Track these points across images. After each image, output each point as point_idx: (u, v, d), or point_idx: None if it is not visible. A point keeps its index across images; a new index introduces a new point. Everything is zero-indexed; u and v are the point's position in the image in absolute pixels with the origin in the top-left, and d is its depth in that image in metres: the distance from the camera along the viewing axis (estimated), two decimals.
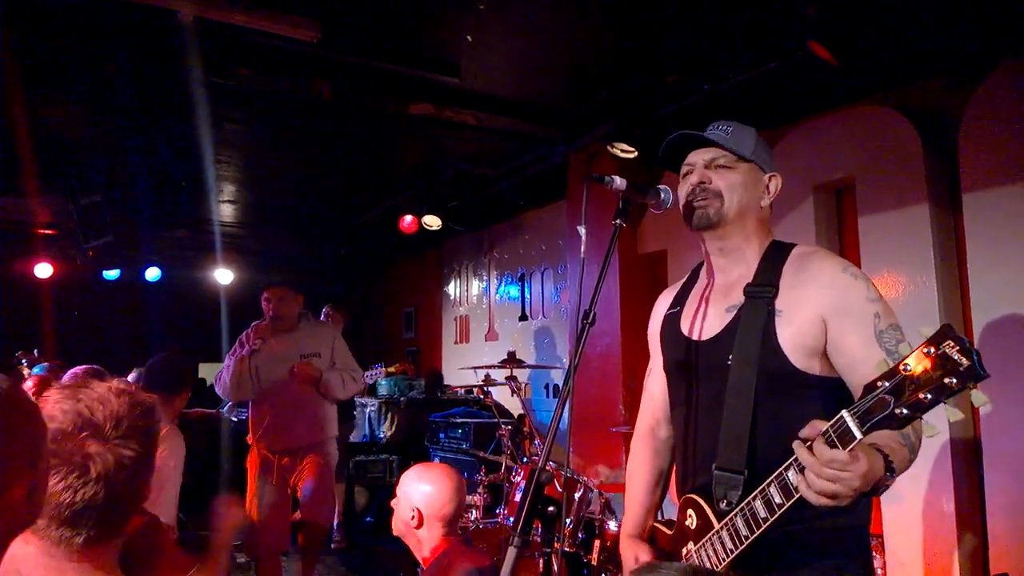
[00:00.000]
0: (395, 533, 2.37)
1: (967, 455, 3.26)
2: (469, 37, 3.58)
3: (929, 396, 1.09)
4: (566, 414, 1.56)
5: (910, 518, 3.34)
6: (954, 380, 1.07)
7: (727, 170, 1.69)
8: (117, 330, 7.82)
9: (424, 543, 2.26)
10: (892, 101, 3.59)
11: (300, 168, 5.83)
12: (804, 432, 1.26)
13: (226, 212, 7.01)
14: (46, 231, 7.16)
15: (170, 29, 3.24)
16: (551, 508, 3.19)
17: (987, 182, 3.17)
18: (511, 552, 1.46)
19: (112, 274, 7.72)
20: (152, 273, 7.77)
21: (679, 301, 1.86)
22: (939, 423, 1.13)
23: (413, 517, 2.25)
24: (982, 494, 3.17)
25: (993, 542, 3.09)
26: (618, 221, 1.66)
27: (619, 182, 1.66)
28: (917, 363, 1.10)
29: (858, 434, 1.17)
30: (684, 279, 1.94)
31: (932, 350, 1.09)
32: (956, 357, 1.07)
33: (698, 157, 1.72)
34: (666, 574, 1.01)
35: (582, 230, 1.62)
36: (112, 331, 7.82)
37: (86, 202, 5.42)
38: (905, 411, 1.12)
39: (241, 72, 3.78)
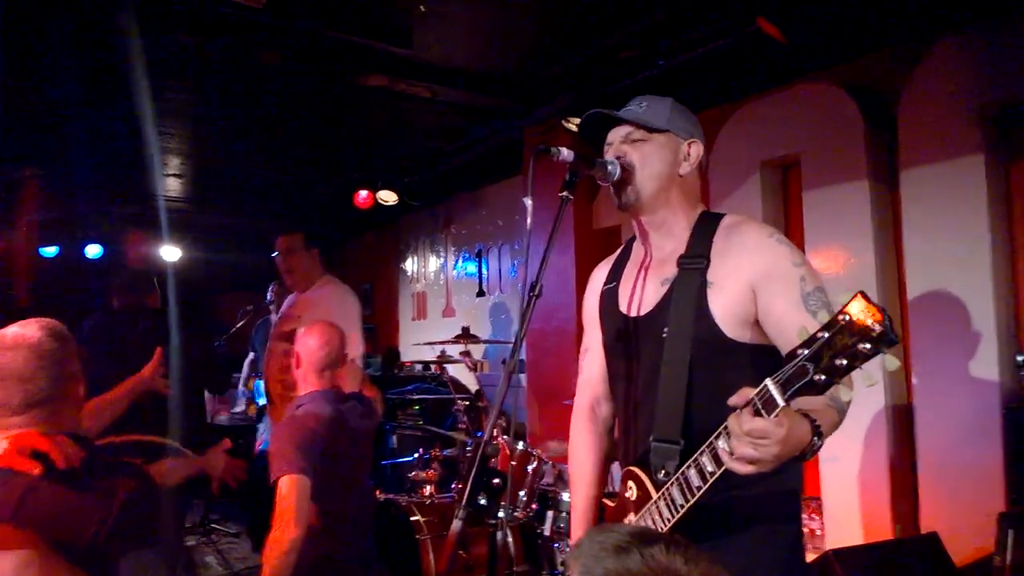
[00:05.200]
0: None
1: (901, 420, 3.39)
2: (423, 7, 3.52)
3: (844, 362, 1.12)
4: (523, 387, 1.57)
5: (847, 481, 3.46)
6: (868, 345, 1.09)
7: (641, 143, 1.72)
8: (57, 309, 7.59)
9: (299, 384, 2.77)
10: (836, 78, 3.66)
11: (250, 141, 5.70)
12: (733, 400, 1.28)
13: (172, 186, 6.82)
14: None
15: None
16: (496, 480, 3.24)
17: (923, 158, 3.26)
18: (456, 524, 1.47)
19: (50, 251, 7.45)
20: (93, 250, 7.51)
21: (614, 276, 1.87)
22: (876, 372, 1.15)
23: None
24: (914, 457, 3.31)
25: (924, 503, 3.23)
26: (566, 193, 1.66)
27: (566, 154, 1.66)
28: (833, 330, 1.13)
29: (781, 401, 1.20)
30: (617, 253, 1.95)
31: (847, 317, 1.11)
32: (869, 323, 1.09)
33: (615, 133, 1.76)
34: (616, 536, 1.03)
35: (528, 202, 1.62)
36: (51, 310, 7.58)
37: (20, 175, 5.22)
38: (823, 377, 1.14)
39: (185, 39, 3.67)
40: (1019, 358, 3.05)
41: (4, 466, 1.48)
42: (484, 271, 6.67)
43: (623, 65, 3.96)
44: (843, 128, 3.54)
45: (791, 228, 3.89)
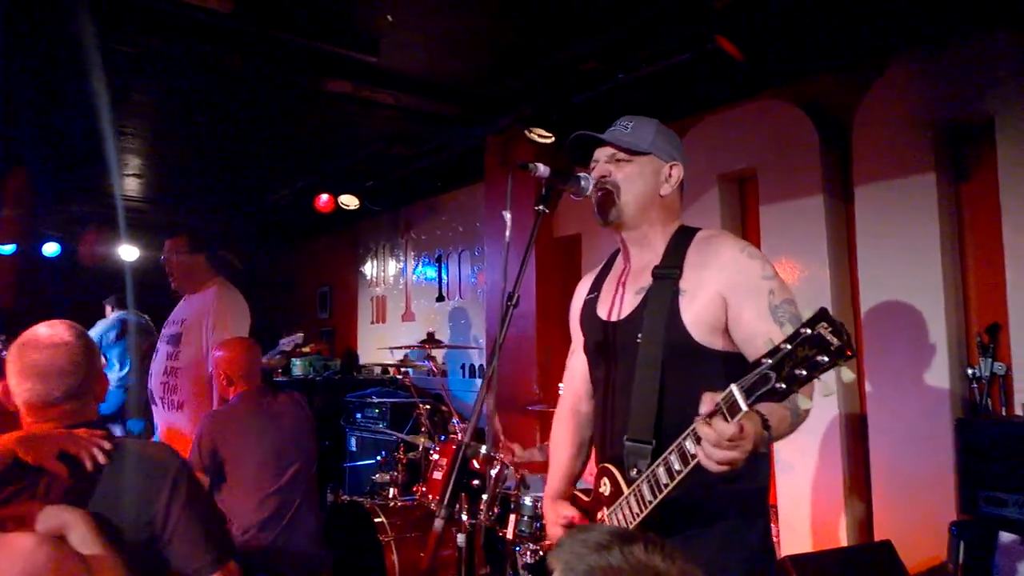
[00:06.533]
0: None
1: (854, 429, 3.49)
2: (390, 17, 3.56)
3: (804, 372, 1.20)
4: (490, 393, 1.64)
5: (802, 488, 3.56)
6: (826, 358, 1.18)
7: (625, 163, 1.82)
8: (14, 308, 7.34)
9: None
10: (792, 96, 3.77)
11: (212, 143, 5.63)
12: (701, 407, 1.35)
13: (131, 186, 6.70)
14: None
15: None
16: (476, 482, 3.31)
17: (877, 176, 3.38)
18: (437, 524, 1.52)
19: (7, 249, 7.23)
20: (50, 248, 7.34)
21: (597, 286, 1.97)
22: (832, 383, 1.23)
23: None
24: (867, 466, 3.40)
25: (877, 510, 3.33)
26: (541, 207, 1.74)
27: (543, 169, 1.74)
28: (796, 342, 1.21)
29: (744, 406, 1.28)
30: (602, 265, 2.04)
31: (808, 331, 1.19)
32: (828, 337, 1.17)
33: (601, 153, 1.86)
34: (597, 535, 1.08)
35: (507, 216, 1.69)
36: (8, 309, 7.33)
37: None
38: (783, 385, 1.22)
39: (148, 41, 3.63)
40: (969, 370, 3.13)
41: (36, 463, 1.56)
42: (444, 276, 6.69)
43: (584, 77, 4.03)
44: (799, 145, 3.64)
45: (748, 240, 3.99)
